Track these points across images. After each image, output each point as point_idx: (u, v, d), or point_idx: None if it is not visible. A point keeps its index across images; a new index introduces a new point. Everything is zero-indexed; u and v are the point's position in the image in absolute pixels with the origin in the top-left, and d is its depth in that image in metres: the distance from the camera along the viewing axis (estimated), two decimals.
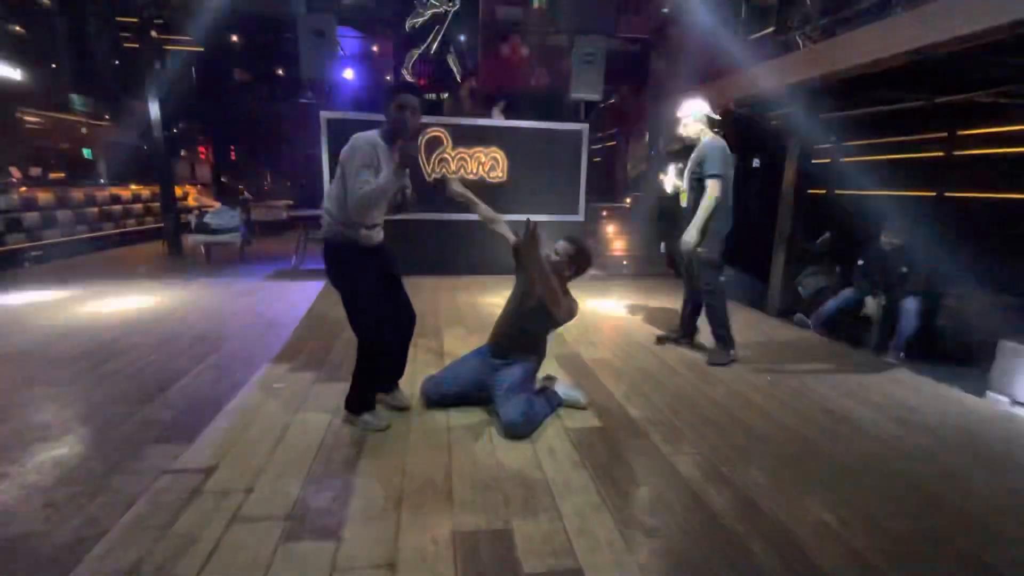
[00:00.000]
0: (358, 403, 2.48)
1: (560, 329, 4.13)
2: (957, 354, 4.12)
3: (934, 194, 6.13)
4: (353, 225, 2.30)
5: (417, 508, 1.91)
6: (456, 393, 2.69)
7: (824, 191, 7.57)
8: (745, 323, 4.69)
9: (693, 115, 3.40)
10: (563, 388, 2.80)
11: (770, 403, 2.93)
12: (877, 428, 2.69)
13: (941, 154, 6.08)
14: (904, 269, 4.17)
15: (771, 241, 5.45)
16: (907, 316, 4.09)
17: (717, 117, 3.44)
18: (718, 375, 3.33)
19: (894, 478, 2.23)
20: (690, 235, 3.33)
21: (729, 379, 3.27)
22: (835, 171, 7.44)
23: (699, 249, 3.39)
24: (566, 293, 2.57)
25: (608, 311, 5.08)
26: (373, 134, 2.26)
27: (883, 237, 4.30)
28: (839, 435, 2.59)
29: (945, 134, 5.97)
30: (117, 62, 10.84)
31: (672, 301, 5.46)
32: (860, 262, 4.44)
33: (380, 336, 2.38)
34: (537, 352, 2.74)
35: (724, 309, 3.48)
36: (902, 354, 4.06)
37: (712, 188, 3.24)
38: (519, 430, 2.42)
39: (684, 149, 3.57)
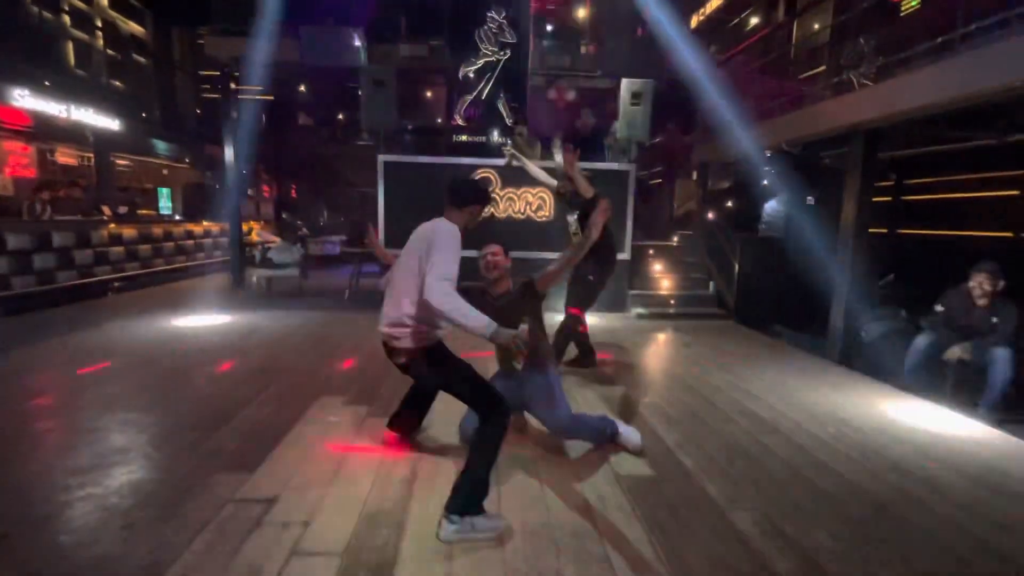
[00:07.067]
0: (475, 501, 2.05)
1: (610, 372, 4.08)
2: None
3: (1011, 235, 5.77)
4: (436, 319, 2.17)
5: (468, 552, 1.92)
6: None
7: (886, 230, 7.27)
8: (802, 370, 4.50)
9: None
10: (620, 424, 2.78)
11: (834, 457, 2.78)
12: (958, 491, 2.49)
13: (1016, 193, 5.76)
14: (994, 319, 3.75)
15: (829, 282, 5.24)
16: (999, 368, 3.58)
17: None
18: (776, 425, 3.19)
19: (982, 550, 2.05)
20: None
21: (788, 429, 3.13)
22: (898, 210, 7.14)
23: (589, 277, 3.97)
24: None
25: (657, 353, 4.99)
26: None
27: (971, 282, 3.88)
28: (914, 497, 2.42)
29: (1023, 172, 5.67)
30: (198, 111, 11.95)
31: (724, 342, 5.31)
32: (939, 308, 4.03)
33: (498, 395, 2.18)
34: (541, 350, 2.67)
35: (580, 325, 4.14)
36: (991, 410, 3.65)
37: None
38: (568, 430, 2.60)
39: (572, 197, 4.06)
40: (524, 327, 2.10)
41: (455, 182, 2.33)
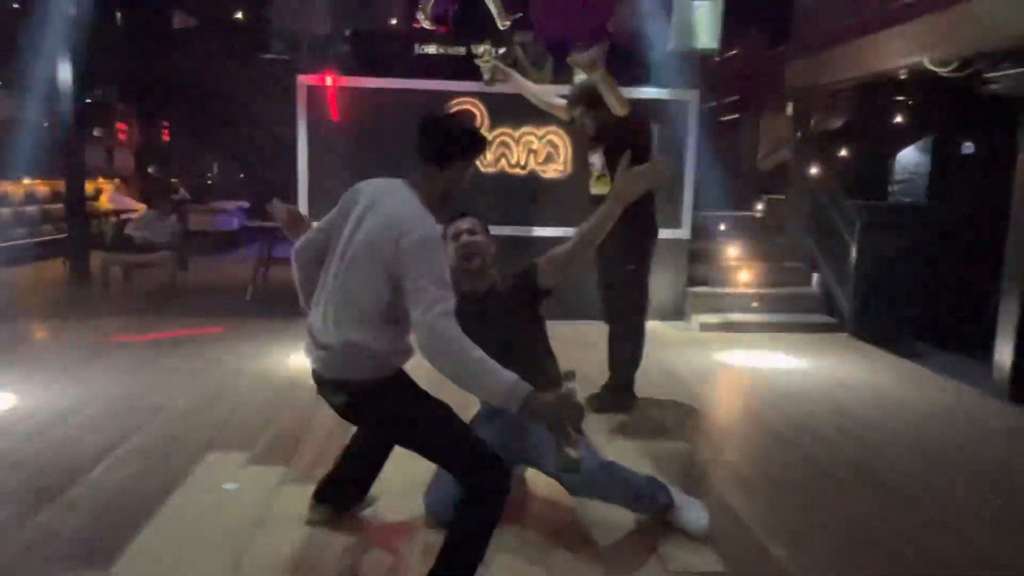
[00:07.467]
0: None
1: (660, 416, 4.12)
2: None
3: None
4: (402, 342, 2.20)
5: None
6: None
7: None
8: (955, 411, 4.53)
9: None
10: (677, 493, 2.79)
11: (1000, 546, 2.81)
12: None
13: None
14: None
15: (996, 274, 5.28)
16: None
17: None
18: (915, 494, 3.22)
19: None
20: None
21: (936, 501, 3.16)
22: None
23: (629, 267, 3.97)
24: None
25: (733, 384, 5.02)
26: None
27: None
28: None
29: None
30: (15, 4, 11.84)
31: (835, 367, 5.33)
32: None
33: (488, 451, 2.17)
34: (550, 377, 2.70)
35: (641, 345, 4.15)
36: None
37: None
38: (595, 484, 2.54)
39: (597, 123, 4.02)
40: (573, 386, 2.02)
41: (431, 122, 2.23)
